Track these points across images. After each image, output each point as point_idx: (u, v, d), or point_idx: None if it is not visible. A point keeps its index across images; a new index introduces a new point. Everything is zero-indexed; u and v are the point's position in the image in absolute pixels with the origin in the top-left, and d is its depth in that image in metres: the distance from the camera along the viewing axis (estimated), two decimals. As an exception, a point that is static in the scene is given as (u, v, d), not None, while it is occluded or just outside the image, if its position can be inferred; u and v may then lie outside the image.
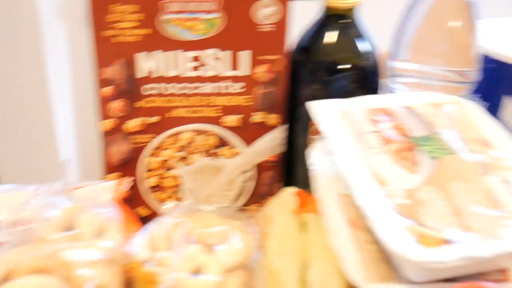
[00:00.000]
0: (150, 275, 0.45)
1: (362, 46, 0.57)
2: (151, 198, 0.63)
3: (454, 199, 0.39)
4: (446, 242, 0.37)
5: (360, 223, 0.43)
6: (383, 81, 0.59)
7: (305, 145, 0.61)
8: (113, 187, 0.59)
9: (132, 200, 0.63)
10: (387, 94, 0.55)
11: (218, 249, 0.47)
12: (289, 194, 0.52)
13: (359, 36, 0.57)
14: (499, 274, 0.40)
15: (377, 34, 0.58)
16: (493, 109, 0.60)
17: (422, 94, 0.50)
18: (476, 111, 0.48)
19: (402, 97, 0.49)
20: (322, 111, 0.47)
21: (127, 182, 0.59)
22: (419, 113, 0.47)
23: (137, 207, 0.64)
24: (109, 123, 0.59)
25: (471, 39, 0.54)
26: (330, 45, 0.57)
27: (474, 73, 0.55)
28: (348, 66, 0.57)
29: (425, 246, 0.36)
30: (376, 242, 0.42)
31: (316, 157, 0.49)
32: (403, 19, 0.55)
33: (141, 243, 0.49)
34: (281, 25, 0.55)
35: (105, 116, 0.59)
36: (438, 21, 0.54)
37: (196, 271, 0.44)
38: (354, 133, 0.45)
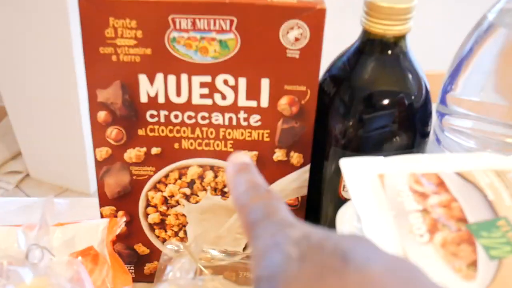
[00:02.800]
0: None
1: (409, 79, 0.47)
2: (151, 236, 0.55)
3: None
4: None
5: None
6: (432, 123, 0.49)
7: (333, 190, 0.51)
8: (105, 226, 0.51)
9: (130, 237, 0.55)
10: (436, 154, 0.45)
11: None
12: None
13: (406, 67, 0.47)
14: None
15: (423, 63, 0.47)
16: None
17: (481, 156, 0.39)
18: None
19: (454, 159, 0.39)
20: (354, 173, 0.37)
21: (121, 221, 0.51)
22: (478, 185, 0.37)
23: (136, 244, 0.55)
24: (104, 151, 0.50)
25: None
26: (369, 76, 0.47)
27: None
28: (391, 102, 0.47)
29: None
30: None
31: (345, 224, 0.39)
32: (462, 52, 0.44)
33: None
34: (310, 50, 0.45)
35: (100, 143, 0.50)
36: (511, 57, 0.43)
37: None
38: (392, 209, 0.35)
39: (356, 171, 0.38)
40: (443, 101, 0.47)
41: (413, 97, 0.47)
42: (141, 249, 0.56)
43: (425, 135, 0.49)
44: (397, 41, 0.46)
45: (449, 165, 0.38)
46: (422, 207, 0.35)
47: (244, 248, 0.55)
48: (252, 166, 0.29)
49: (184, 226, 0.54)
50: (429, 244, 0.33)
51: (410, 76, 0.47)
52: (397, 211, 0.35)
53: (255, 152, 0.50)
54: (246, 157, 0.29)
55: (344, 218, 0.40)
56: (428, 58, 0.64)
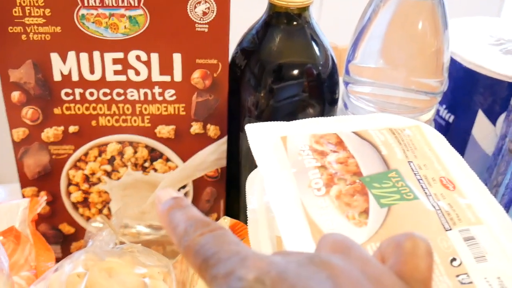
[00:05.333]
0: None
1: (314, 49, 0.49)
2: (75, 215, 0.55)
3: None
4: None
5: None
6: (339, 91, 0.51)
7: (251, 160, 0.53)
8: (26, 206, 0.51)
9: (54, 217, 0.55)
10: (336, 117, 0.47)
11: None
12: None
13: (311, 38, 0.49)
14: None
15: (331, 34, 0.50)
16: (460, 123, 0.53)
17: (377, 117, 0.42)
18: (440, 141, 0.40)
19: (353, 120, 0.41)
20: (257, 137, 0.39)
21: (41, 199, 0.51)
22: (373, 142, 0.39)
23: (60, 224, 0.56)
24: (21, 132, 0.51)
25: (440, 45, 0.46)
26: (276, 47, 0.49)
27: (442, 84, 0.48)
28: (298, 71, 0.49)
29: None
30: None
31: (254, 190, 0.41)
32: (362, 22, 0.47)
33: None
34: (218, 24, 0.47)
35: (16, 124, 0.50)
36: (403, 24, 0.45)
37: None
38: (292, 167, 0.37)
39: (260, 135, 0.40)
40: (347, 71, 0.49)
41: (319, 66, 0.49)
42: (66, 228, 0.56)
43: (334, 102, 0.51)
44: (301, 13, 0.48)
45: (347, 126, 0.41)
46: (320, 164, 0.37)
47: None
48: (183, 198, 0.26)
49: (108, 203, 0.55)
50: (325, 196, 0.35)
51: (315, 45, 0.49)
52: (298, 168, 0.37)
53: (173, 126, 0.51)
54: (173, 191, 0.26)
55: (254, 182, 0.42)
56: (342, 32, 0.67)
